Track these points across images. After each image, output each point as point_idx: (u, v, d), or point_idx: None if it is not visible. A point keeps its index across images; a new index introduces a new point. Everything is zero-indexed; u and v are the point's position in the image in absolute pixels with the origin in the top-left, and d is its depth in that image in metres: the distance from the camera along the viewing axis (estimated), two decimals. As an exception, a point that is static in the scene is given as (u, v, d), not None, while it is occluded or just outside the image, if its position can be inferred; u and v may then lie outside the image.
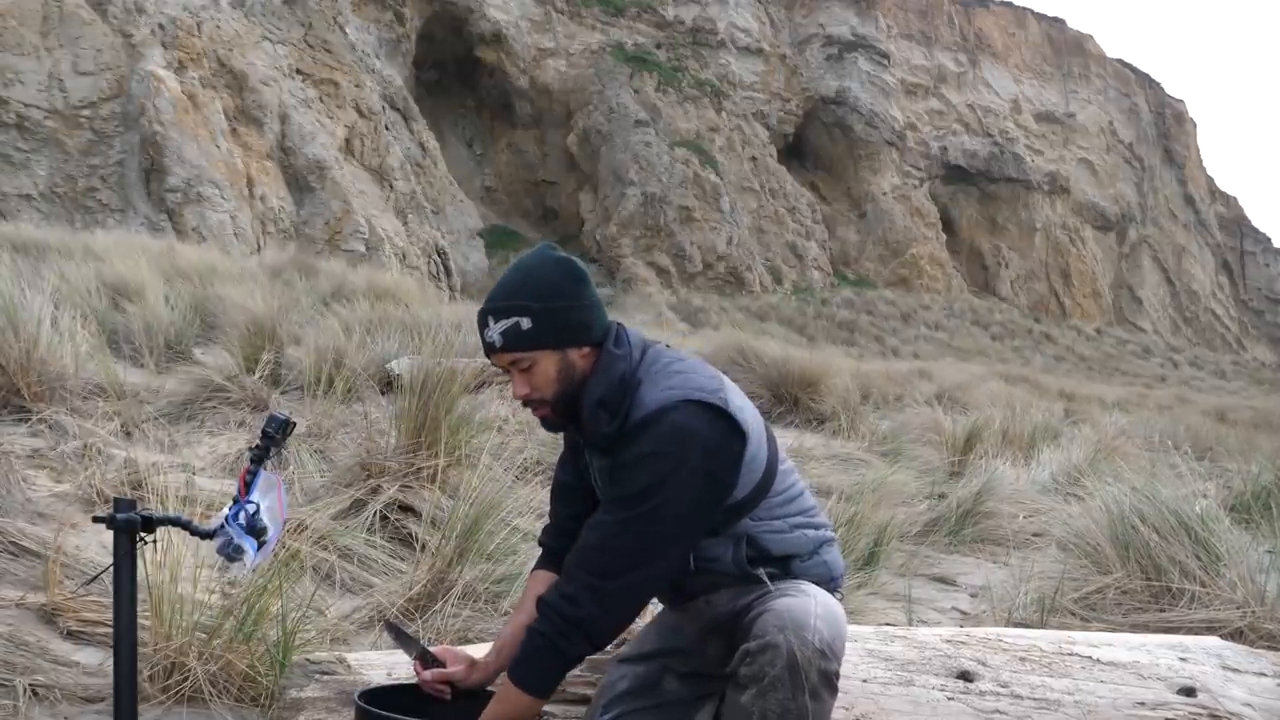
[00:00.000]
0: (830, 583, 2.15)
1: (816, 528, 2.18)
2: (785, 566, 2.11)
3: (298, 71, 26.09)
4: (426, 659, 2.17)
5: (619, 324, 2.15)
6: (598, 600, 1.97)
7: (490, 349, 2.06)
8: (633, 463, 1.99)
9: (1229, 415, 18.78)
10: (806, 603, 1.99)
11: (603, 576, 1.97)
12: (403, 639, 2.26)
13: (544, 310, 2.02)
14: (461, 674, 2.16)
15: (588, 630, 1.98)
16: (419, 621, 3.25)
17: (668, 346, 2.20)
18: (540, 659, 2.00)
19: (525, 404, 2.11)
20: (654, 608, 2.28)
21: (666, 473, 1.96)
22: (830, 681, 1.95)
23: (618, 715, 2.11)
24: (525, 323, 2.01)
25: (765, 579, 2.08)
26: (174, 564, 2.65)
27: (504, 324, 2.02)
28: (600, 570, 1.98)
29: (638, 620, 2.22)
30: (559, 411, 2.09)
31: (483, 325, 2.06)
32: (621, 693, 2.14)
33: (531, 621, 2.03)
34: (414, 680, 2.18)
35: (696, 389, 2.02)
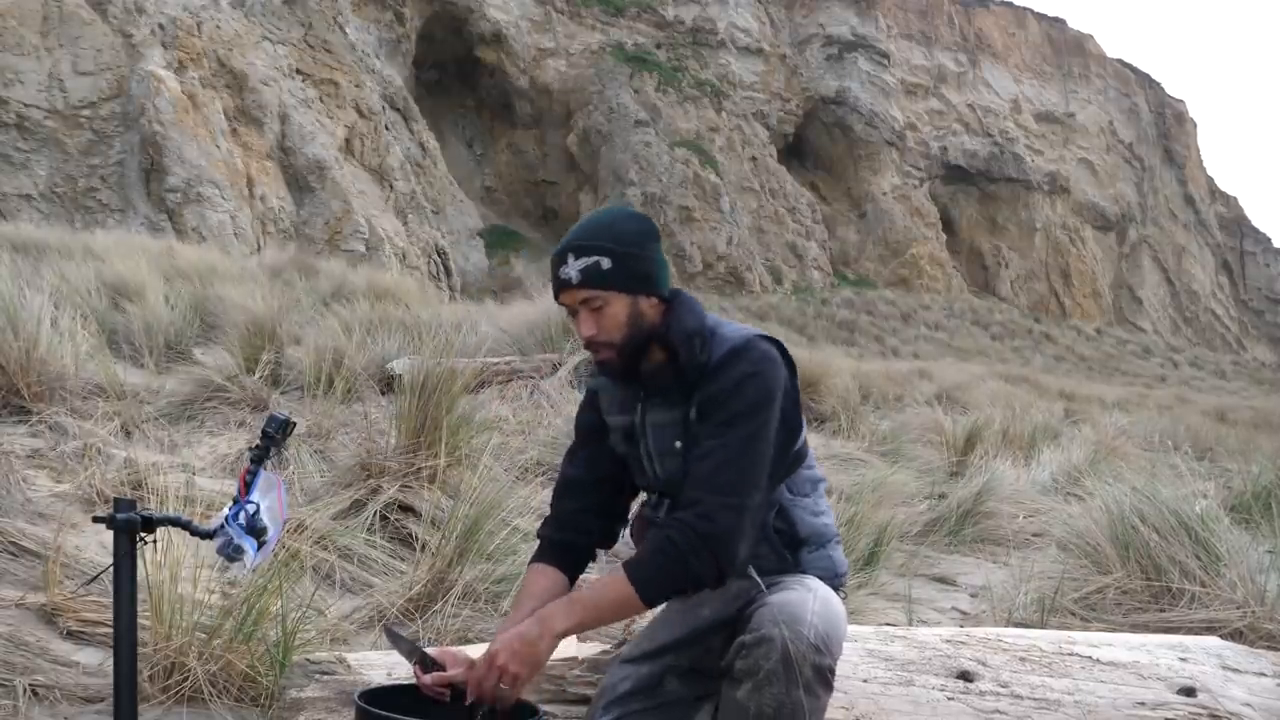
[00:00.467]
0: (834, 579, 2.18)
1: (832, 523, 2.25)
2: (797, 553, 2.14)
3: (298, 71, 26.10)
4: (425, 662, 2.16)
5: (680, 289, 2.23)
6: (731, 517, 1.98)
7: (564, 285, 2.09)
8: (736, 384, 2.05)
9: (1229, 415, 18.79)
10: (805, 597, 2.01)
11: (735, 493, 1.99)
12: (399, 642, 2.26)
13: (624, 254, 2.07)
14: (462, 676, 2.15)
15: (718, 549, 1.97)
16: (419, 621, 3.25)
17: None
18: (666, 566, 1.98)
19: (589, 345, 2.12)
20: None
21: (767, 392, 2.05)
22: (825, 677, 1.95)
23: (618, 717, 2.11)
24: (605, 262, 2.06)
25: (778, 563, 2.12)
26: (174, 564, 2.65)
27: (584, 261, 2.06)
28: (731, 488, 1.99)
29: (639, 620, 2.22)
30: (624, 356, 2.11)
31: (560, 262, 2.09)
32: (623, 694, 2.14)
33: (660, 532, 2.02)
34: (414, 681, 2.18)
35: (763, 332, 2.16)
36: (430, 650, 2.19)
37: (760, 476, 2.03)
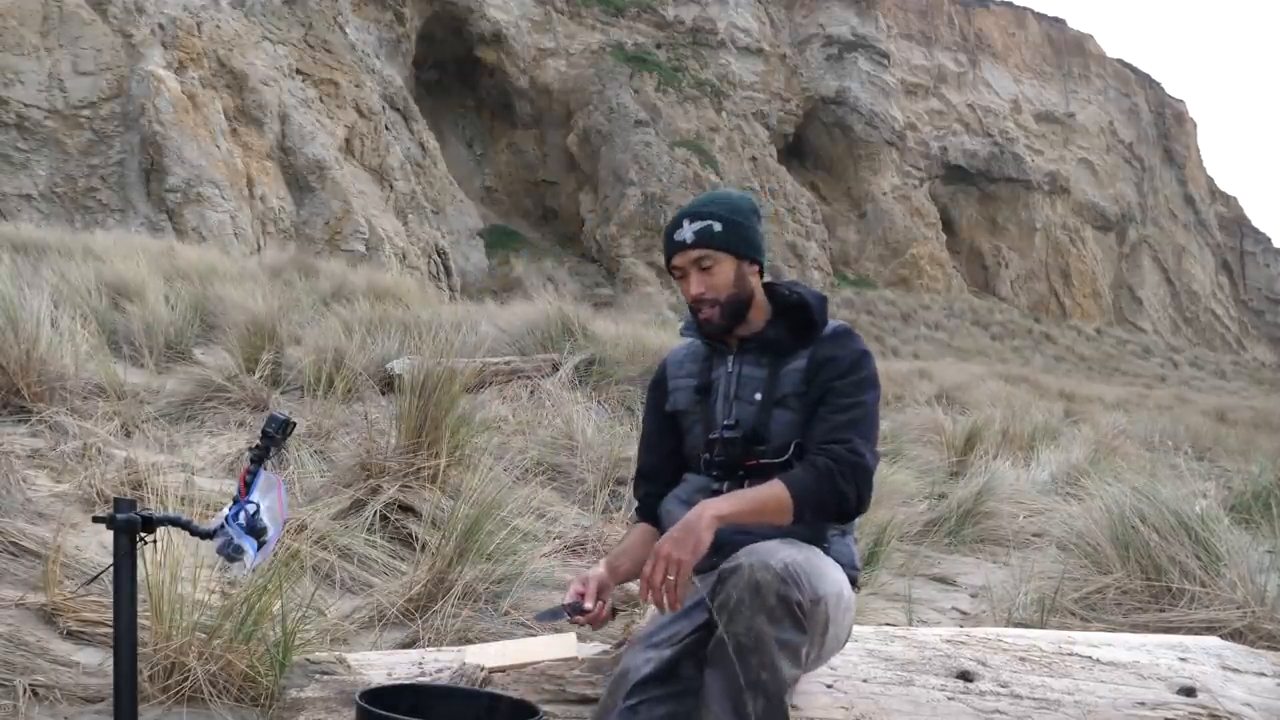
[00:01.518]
0: (851, 569, 2.28)
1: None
2: (823, 534, 2.24)
3: (298, 71, 26.09)
4: (578, 609, 2.24)
5: None
6: (874, 458, 2.20)
7: (679, 247, 2.31)
8: (860, 356, 2.28)
9: (1229, 415, 18.79)
10: (785, 546, 2.08)
11: (871, 442, 2.21)
12: (548, 614, 2.34)
13: (734, 221, 2.33)
14: (609, 581, 2.29)
15: (862, 481, 2.16)
16: (419, 621, 3.25)
17: None
18: (821, 483, 2.13)
19: (695, 304, 2.32)
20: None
21: (873, 371, 2.30)
22: (791, 610, 1.97)
23: (637, 704, 2.10)
24: (718, 226, 2.30)
25: (813, 533, 2.22)
26: (174, 564, 2.65)
27: (699, 224, 2.31)
28: (867, 436, 2.21)
29: (639, 620, 2.22)
30: (725, 315, 2.31)
31: (675, 228, 2.34)
32: (645, 678, 2.13)
33: (812, 458, 2.18)
34: (414, 680, 2.18)
35: None
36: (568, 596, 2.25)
37: (876, 437, 2.25)
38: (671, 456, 2.44)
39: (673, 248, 2.33)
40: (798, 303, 2.34)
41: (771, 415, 2.27)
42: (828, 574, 2.12)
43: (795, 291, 2.37)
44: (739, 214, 2.34)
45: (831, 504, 2.15)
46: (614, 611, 2.28)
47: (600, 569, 2.32)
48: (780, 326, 2.33)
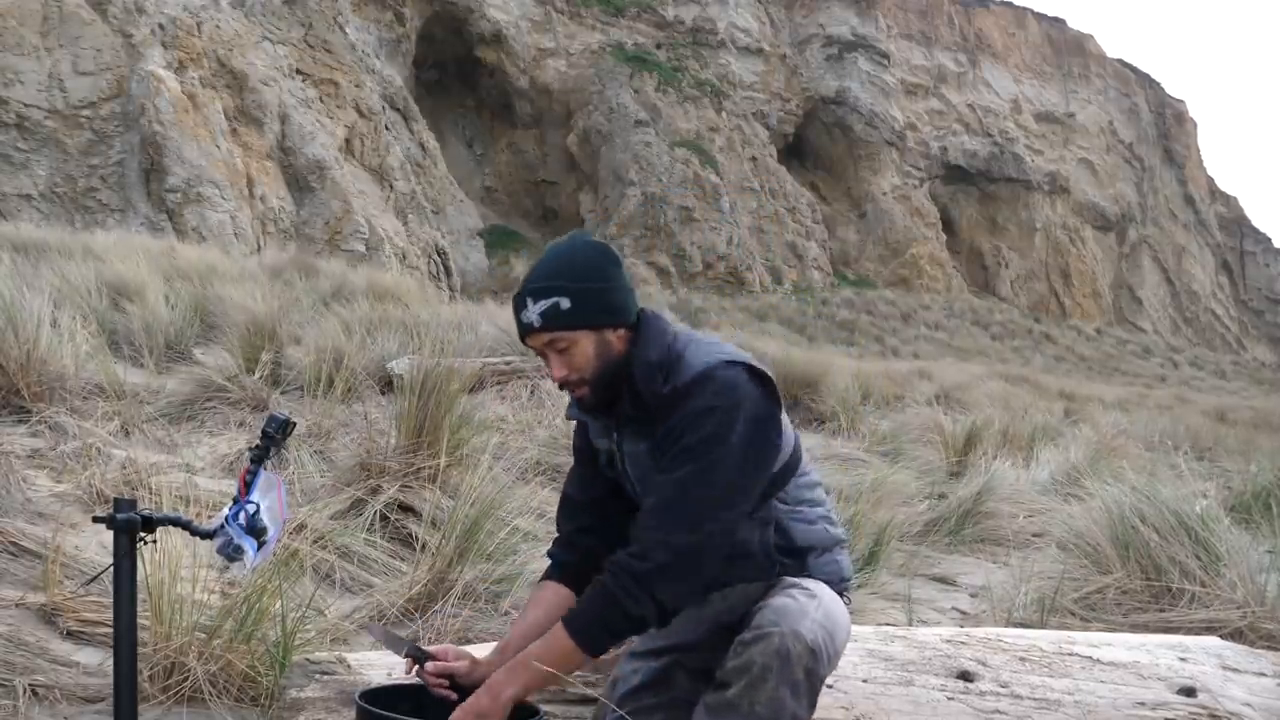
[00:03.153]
0: (840, 584, 2.18)
1: (834, 525, 2.23)
2: (802, 560, 2.14)
3: (298, 71, 26.09)
4: (418, 655, 2.16)
5: (650, 310, 2.20)
6: (668, 556, 1.95)
7: (528, 330, 2.08)
8: (691, 418, 2.01)
9: (1229, 415, 18.79)
10: (806, 603, 2.01)
11: (671, 531, 1.96)
12: (389, 639, 2.26)
13: (582, 291, 2.04)
14: (463, 669, 2.16)
15: (655, 589, 1.95)
16: (419, 621, 3.25)
17: None
18: (603, 614, 1.96)
19: (563, 386, 2.12)
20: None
21: (725, 425, 1.99)
22: (814, 686, 1.94)
23: (631, 711, 2.11)
24: (564, 303, 2.04)
25: (783, 569, 2.12)
26: (174, 564, 2.64)
27: (543, 304, 2.04)
28: (669, 525, 1.97)
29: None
30: (597, 391, 2.11)
31: (520, 307, 2.08)
32: (635, 687, 2.14)
33: (604, 579, 2.00)
34: (414, 680, 2.18)
35: (732, 354, 2.09)
36: (429, 648, 2.19)
37: (709, 510, 1.98)
38: (599, 501, 2.25)
39: (521, 329, 2.09)
40: (634, 379, 2.09)
41: None
42: (840, 619, 2.05)
43: (630, 367, 2.09)
44: (587, 278, 2.05)
45: (624, 627, 1.99)
46: (456, 686, 2.11)
47: (478, 655, 2.18)
48: (633, 400, 2.10)
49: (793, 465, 2.16)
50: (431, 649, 2.19)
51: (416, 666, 2.16)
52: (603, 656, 2.28)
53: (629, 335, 2.11)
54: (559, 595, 2.21)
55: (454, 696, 2.13)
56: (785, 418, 2.17)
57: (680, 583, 1.98)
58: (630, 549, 1.98)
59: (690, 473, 1.98)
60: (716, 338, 2.20)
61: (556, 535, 2.32)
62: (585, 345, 2.07)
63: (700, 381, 2.03)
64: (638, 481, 2.15)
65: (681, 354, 2.09)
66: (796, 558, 2.14)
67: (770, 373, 2.11)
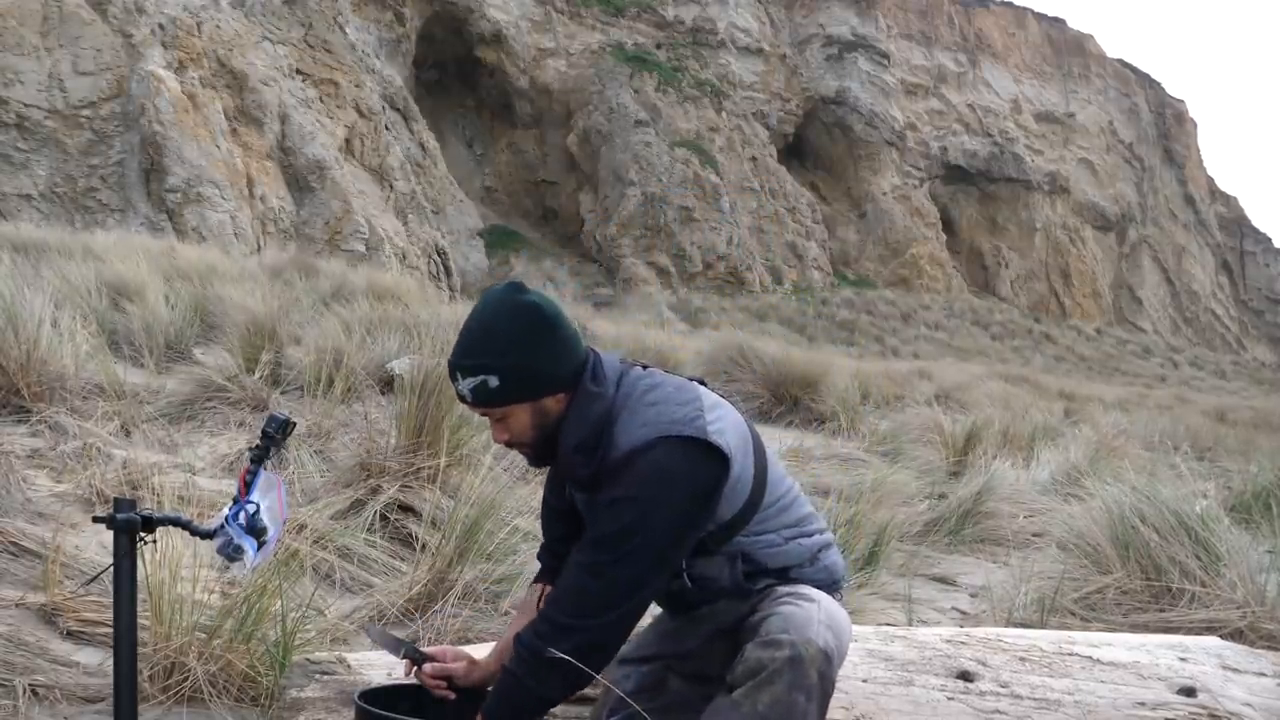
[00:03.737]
0: (832, 585, 2.16)
1: (811, 535, 2.17)
2: (784, 576, 2.12)
3: (298, 71, 26.09)
4: (416, 657, 2.16)
5: (595, 354, 2.12)
6: (572, 642, 1.94)
7: (462, 400, 2.08)
8: (608, 505, 1.98)
9: (1229, 415, 18.78)
10: (811, 610, 2.00)
11: (577, 616, 1.96)
12: (387, 640, 2.26)
13: (509, 367, 2.00)
14: (461, 671, 2.16)
15: (563, 670, 1.94)
16: (419, 621, 3.25)
17: (644, 368, 2.17)
18: (515, 698, 1.98)
19: (508, 446, 2.12)
20: (654, 609, 2.28)
21: (641, 516, 1.94)
22: (825, 688, 1.94)
23: (626, 716, 2.11)
24: (493, 381, 2.00)
25: (765, 588, 2.09)
26: (174, 564, 2.64)
27: (472, 381, 2.01)
28: (575, 611, 1.97)
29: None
30: (539, 453, 2.11)
31: (452, 378, 2.06)
32: (627, 692, 2.14)
33: (508, 660, 2.02)
34: (414, 681, 2.18)
35: (671, 422, 1.99)
36: (426, 649, 2.19)
37: (617, 599, 1.96)
38: (575, 510, 2.21)
39: (458, 397, 2.08)
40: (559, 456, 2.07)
41: None
42: (841, 621, 2.05)
43: (559, 442, 2.06)
44: (513, 352, 1.99)
45: (537, 707, 2.00)
46: (458, 691, 2.14)
47: (477, 656, 2.21)
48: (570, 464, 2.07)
49: (751, 505, 2.09)
50: (429, 650, 2.19)
51: (415, 668, 2.16)
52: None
53: (569, 395, 2.06)
54: None
55: (452, 697, 2.13)
56: (747, 458, 2.08)
57: (591, 661, 1.97)
58: (539, 629, 1.98)
59: (600, 563, 1.96)
60: (667, 388, 2.07)
61: (542, 540, 2.34)
62: (521, 416, 2.05)
63: (625, 464, 1.97)
64: (587, 526, 2.13)
65: (612, 425, 2.02)
66: (778, 575, 2.11)
67: (715, 440, 1.99)
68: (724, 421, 2.05)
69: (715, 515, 2.03)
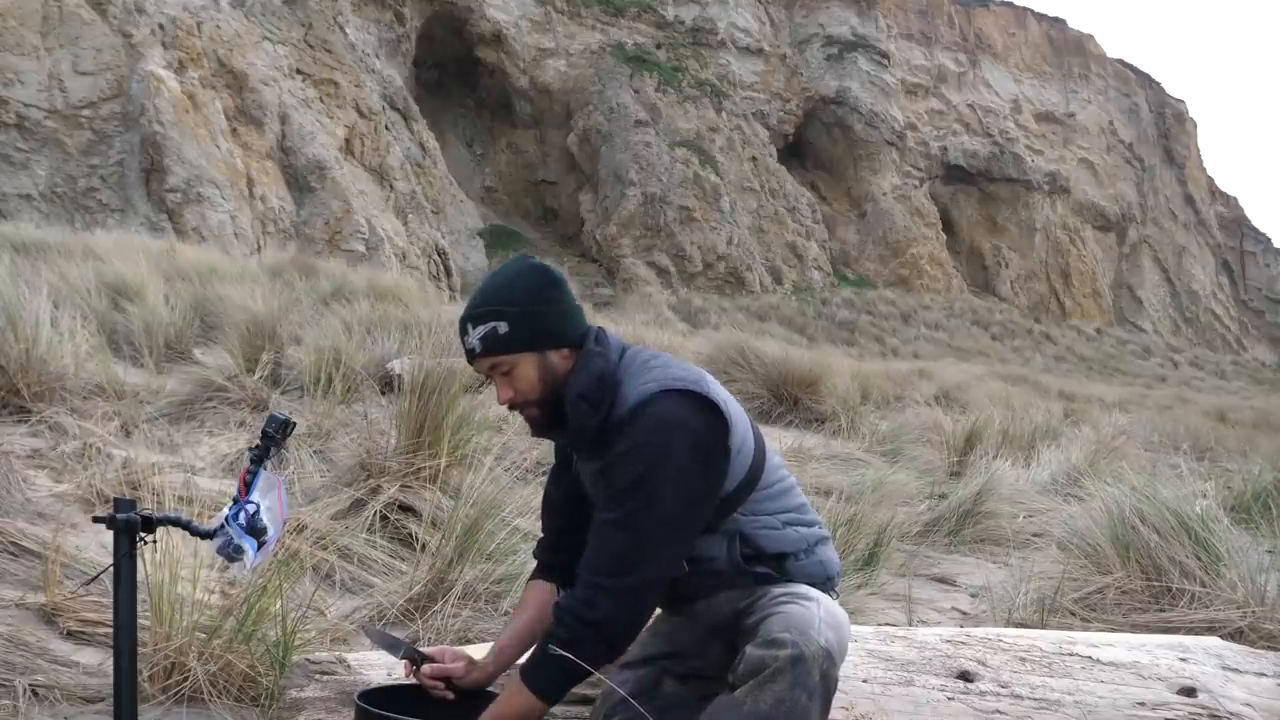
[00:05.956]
0: (826, 581, 2.16)
1: (809, 525, 2.18)
2: (780, 565, 2.11)
3: (298, 71, 26.09)
4: (415, 658, 2.16)
5: (599, 328, 2.17)
6: (611, 601, 1.97)
7: (471, 355, 2.09)
8: (621, 457, 2.00)
9: (1229, 415, 18.78)
10: (811, 608, 2.00)
11: (611, 575, 1.98)
12: (386, 640, 2.26)
13: (520, 314, 2.05)
14: (460, 671, 2.16)
15: (604, 633, 1.98)
16: (419, 621, 3.25)
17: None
18: (555, 663, 1.97)
19: (511, 408, 2.13)
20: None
21: (656, 462, 1.97)
22: (828, 687, 1.94)
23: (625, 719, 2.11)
24: (502, 326, 2.04)
25: (762, 577, 2.09)
26: (174, 564, 2.65)
27: (482, 329, 2.05)
28: (608, 569, 1.98)
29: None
30: (545, 414, 2.11)
31: (462, 333, 2.10)
32: (622, 698, 2.14)
33: (547, 626, 2.03)
34: (414, 681, 2.18)
35: (674, 379, 2.05)
36: (425, 649, 2.19)
37: (644, 553, 1.98)
38: (580, 500, 2.23)
39: (467, 356, 2.10)
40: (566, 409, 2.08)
41: None
42: (840, 617, 2.05)
43: (564, 397, 2.08)
44: (526, 301, 2.06)
45: (583, 673, 2.00)
46: (458, 691, 2.13)
47: (476, 656, 2.21)
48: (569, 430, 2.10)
49: (751, 480, 2.11)
50: (428, 650, 2.19)
51: (413, 668, 2.16)
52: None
53: (574, 355, 2.10)
54: (549, 594, 2.23)
55: (451, 697, 2.13)
56: (747, 433, 2.12)
57: (628, 624, 2.01)
58: (576, 595, 2.00)
59: (623, 517, 1.98)
60: (667, 357, 2.16)
61: (541, 536, 2.33)
62: (527, 368, 2.07)
63: (633, 417, 2.01)
64: (594, 501, 2.14)
65: (619, 384, 2.07)
66: (775, 564, 2.11)
67: (715, 398, 2.05)
68: (724, 394, 2.11)
69: (724, 477, 2.06)
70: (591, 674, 2.01)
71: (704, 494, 2.04)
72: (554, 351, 2.08)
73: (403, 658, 2.18)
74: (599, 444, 2.06)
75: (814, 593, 2.07)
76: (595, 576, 1.99)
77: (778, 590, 2.07)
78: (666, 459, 1.97)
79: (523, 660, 2.08)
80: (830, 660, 1.93)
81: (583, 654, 1.96)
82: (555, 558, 2.25)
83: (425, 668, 2.15)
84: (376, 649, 2.63)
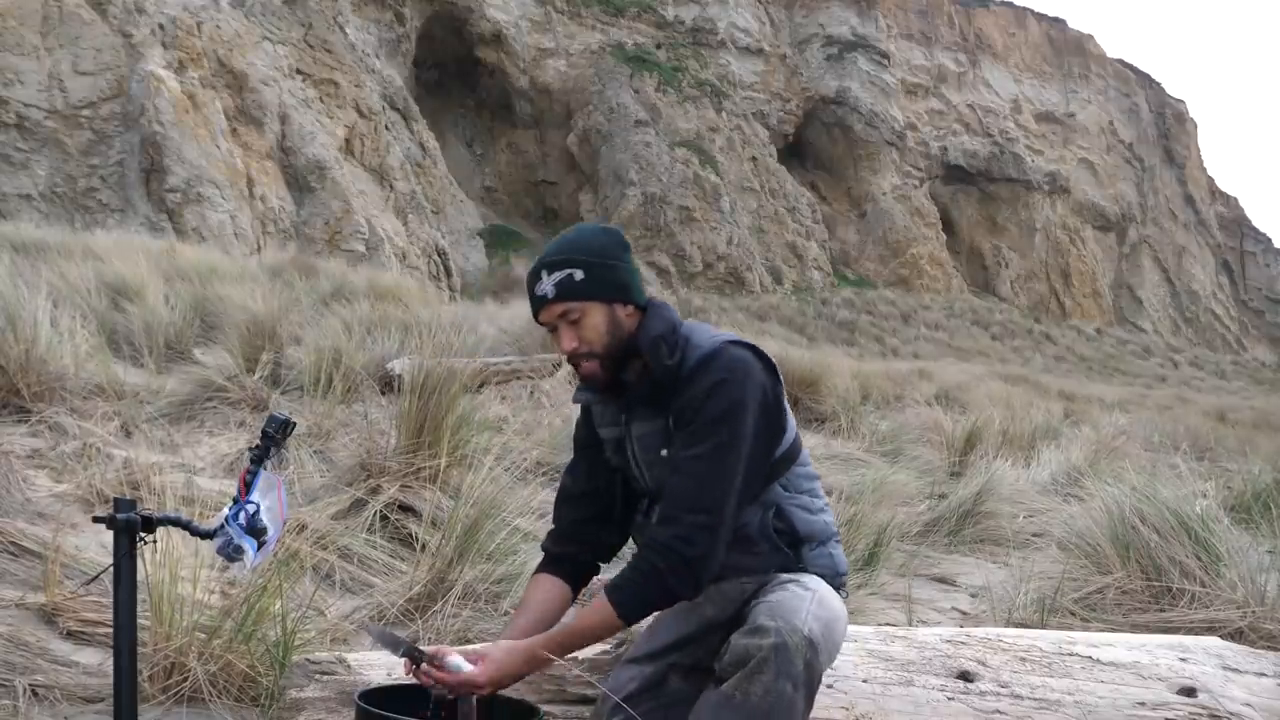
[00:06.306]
0: (836, 578, 2.20)
1: (831, 522, 2.26)
2: (798, 551, 2.16)
3: (298, 71, 26.09)
4: (415, 656, 2.16)
5: (659, 299, 2.28)
6: (709, 539, 2.02)
7: (542, 301, 2.15)
8: (706, 393, 2.07)
9: (1229, 415, 18.79)
10: (803, 596, 2.03)
11: (710, 511, 2.03)
12: (387, 639, 2.25)
13: (596, 265, 2.13)
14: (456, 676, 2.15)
15: (695, 571, 2.02)
16: (419, 621, 3.25)
17: None
18: (648, 588, 2.03)
19: (571, 359, 2.17)
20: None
21: (740, 397, 2.07)
22: (812, 676, 1.94)
23: (626, 717, 2.11)
24: (578, 274, 2.12)
25: (778, 561, 2.15)
26: (174, 564, 2.65)
27: (558, 275, 2.13)
28: (707, 505, 2.03)
29: (639, 623, 2.22)
30: (606, 367, 2.16)
31: (535, 280, 2.16)
32: (630, 694, 2.15)
33: (641, 553, 2.07)
34: (414, 681, 2.17)
35: (737, 337, 2.19)
36: (425, 648, 2.18)
37: (731, 487, 2.05)
38: (599, 491, 2.29)
39: (536, 303, 2.16)
40: (642, 350, 2.15)
41: None
42: (836, 611, 2.08)
43: (638, 340, 2.16)
44: (602, 255, 2.15)
45: (663, 602, 2.09)
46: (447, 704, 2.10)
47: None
48: (647, 377, 2.16)
49: (794, 453, 2.20)
50: (428, 650, 2.19)
51: (414, 667, 2.15)
52: (600, 656, 2.28)
53: (637, 317, 2.18)
54: (556, 588, 2.25)
55: (451, 696, 2.12)
56: (786, 405, 2.22)
57: (715, 565, 2.05)
58: (672, 529, 2.03)
59: (713, 449, 2.04)
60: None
61: (552, 528, 2.34)
62: (596, 318, 2.13)
63: (712, 357, 2.10)
64: (646, 465, 2.19)
65: (689, 335, 2.17)
66: (794, 547, 2.17)
67: (771, 358, 2.18)
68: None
69: (785, 427, 2.17)
70: (673, 602, 2.07)
71: (771, 440, 2.13)
72: (621, 306, 2.16)
73: (403, 655, 2.17)
74: (664, 394, 2.12)
75: (816, 583, 2.09)
76: (692, 515, 2.03)
77: (784, 576, 2.11)
78: (748, 396, 2.07)
79: (608, 577, 2.13)
80: (813, 649, 1.94)
81: (673, 586, 2.03)
82: (566, 549, 2.28)
83: (426, 665, 2.14)
84: (377, 648, 2.63)
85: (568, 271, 2.12)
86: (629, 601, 2.04)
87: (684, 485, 2.06)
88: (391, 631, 2.39)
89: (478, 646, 2.13)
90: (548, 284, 2.13)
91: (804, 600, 2.02)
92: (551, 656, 2.05)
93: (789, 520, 2.16)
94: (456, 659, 2.05)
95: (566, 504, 2.33)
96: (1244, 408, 22.15)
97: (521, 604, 2.28)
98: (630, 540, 2.34)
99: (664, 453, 2.15)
